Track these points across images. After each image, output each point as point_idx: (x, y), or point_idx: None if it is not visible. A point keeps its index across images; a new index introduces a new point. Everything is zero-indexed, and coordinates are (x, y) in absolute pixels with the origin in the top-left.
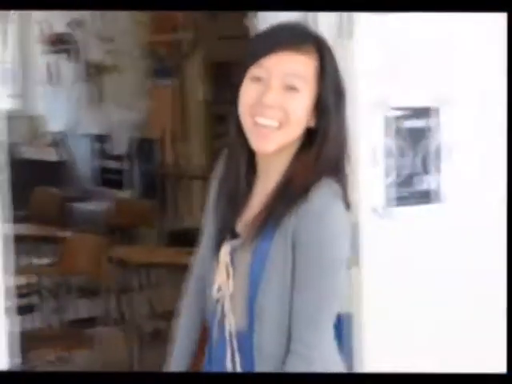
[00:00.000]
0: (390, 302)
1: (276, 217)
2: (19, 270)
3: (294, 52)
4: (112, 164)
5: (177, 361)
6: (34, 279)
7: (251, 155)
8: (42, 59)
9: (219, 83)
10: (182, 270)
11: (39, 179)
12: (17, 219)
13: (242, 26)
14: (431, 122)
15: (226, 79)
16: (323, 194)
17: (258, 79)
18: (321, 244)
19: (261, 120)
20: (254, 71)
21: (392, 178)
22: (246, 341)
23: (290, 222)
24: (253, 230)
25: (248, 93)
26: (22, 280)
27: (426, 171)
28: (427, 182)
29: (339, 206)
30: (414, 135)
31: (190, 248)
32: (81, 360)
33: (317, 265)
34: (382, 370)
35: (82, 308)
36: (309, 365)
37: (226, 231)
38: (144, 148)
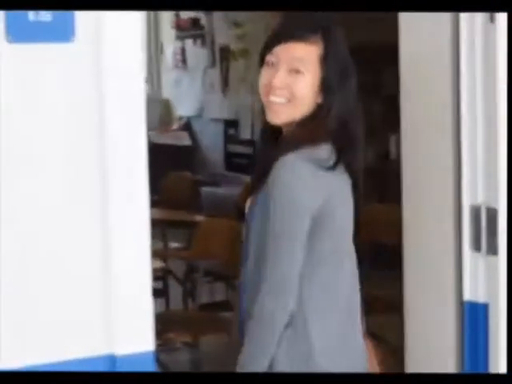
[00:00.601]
0: None
1: (268, 170)
2: (152, 254)
3: (300, 41)
4: (240, 148)
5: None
6: (166, 263)
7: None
8: (172, 44)
9: None
10: None
11: (170, 164)
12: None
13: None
14: None
15: (355, 63)
16: (299, 153)
17: (271, 64)
18: (281, 190)
19: (272, 98)
20: (268, 57)
21: None
22: (244, 278)
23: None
24: (259, 183)
25: (263, 76)
26: (155, 263)
27: None
28: None
29: (304, 163)
30: None
31: None
32: (214, 344)
33: (277, 211)
34: None
35: (215, 292)
36: (269, 301)
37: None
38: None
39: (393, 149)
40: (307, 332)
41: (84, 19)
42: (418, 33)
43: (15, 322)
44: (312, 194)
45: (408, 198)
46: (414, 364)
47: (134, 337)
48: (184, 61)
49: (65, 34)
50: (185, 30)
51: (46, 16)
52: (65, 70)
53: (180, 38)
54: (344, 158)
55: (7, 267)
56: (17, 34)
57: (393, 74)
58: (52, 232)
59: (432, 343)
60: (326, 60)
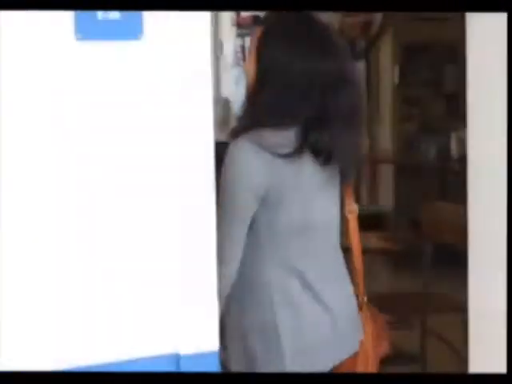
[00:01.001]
0: None
1: None
2: None
3: (258, 28)
4: None
5: None
6: None
7: None
8: (232, 42)
9: (409, 65)
10: (371, 253)
11: None
12: None
13: None
14: None
15: (416, 61)
16: (247, 134)
17: None
18: (224, 169)
19: None
20: None
21: None
22: None
23: None
24: None
25: None
26: None
27: None
28: None
29: (248, 146)
30: None
31: (378, 232)
32: None
33: (221, 192)
34: None
35: None
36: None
37: None
38: None
39: (454, 147)
40: (273, 314)
41: (152, 17)
42: (485, 31)
43: (84, 321)
44: (254, 176)
45: (474, 196)
46: (478, 365)
47: (199, 336)
48: (245, 59)
49: (133, 32)
50: (246, 28)
51: (114, 14)
52: (133, 68)
53: (241, 35)
54: (307, 144)
55: (80, 268)
56: (85, 32)
57: (454, 72)
58: (122, 234)
59: (497, 344)
60: (261, 44)
